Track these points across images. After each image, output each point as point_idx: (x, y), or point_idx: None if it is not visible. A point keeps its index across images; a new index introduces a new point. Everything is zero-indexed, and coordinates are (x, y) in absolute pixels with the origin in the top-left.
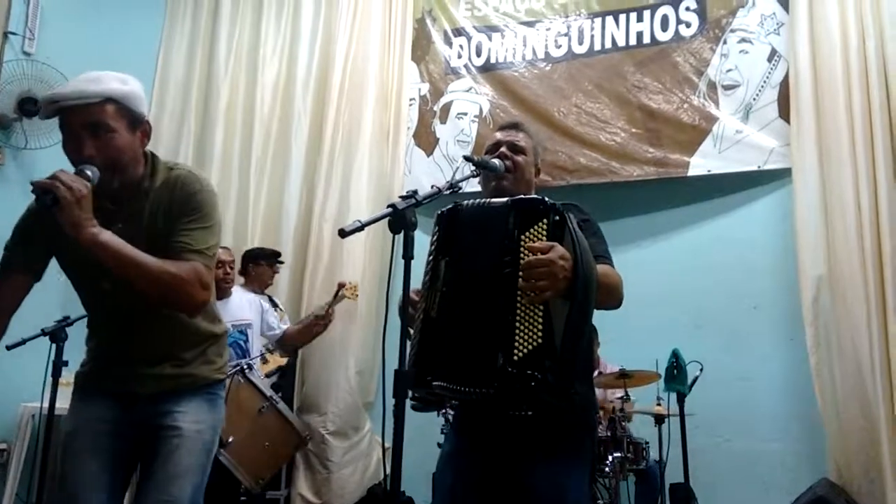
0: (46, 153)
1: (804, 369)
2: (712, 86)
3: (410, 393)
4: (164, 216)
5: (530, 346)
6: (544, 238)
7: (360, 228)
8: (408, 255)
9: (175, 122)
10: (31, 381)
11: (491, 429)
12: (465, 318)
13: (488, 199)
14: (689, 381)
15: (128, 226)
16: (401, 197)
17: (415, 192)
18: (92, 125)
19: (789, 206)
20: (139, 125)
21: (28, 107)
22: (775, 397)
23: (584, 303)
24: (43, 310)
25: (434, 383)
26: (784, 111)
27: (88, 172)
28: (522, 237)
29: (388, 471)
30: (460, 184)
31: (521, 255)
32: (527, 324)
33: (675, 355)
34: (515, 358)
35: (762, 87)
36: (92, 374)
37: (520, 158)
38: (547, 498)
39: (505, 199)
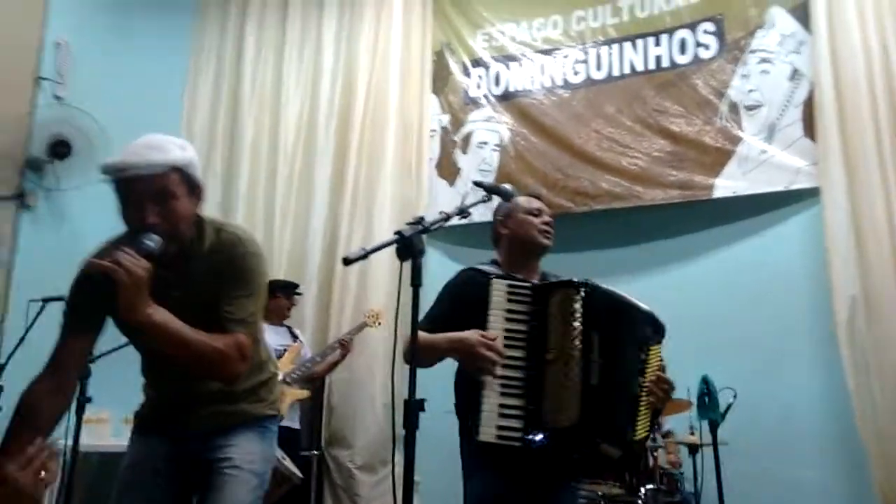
0: (77, 194)
1: (842, 392)
2: (734, 107)
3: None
4: (213, 280)
5: (644, 433)
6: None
7: (365, 256)
8: (416, 283)
9: (201, 159)
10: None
11: (527, 461)
12: (613, 400)
13: (627, 298)
14: (723, 408)
15: (181, 292)
16: (408, 224)
17: (421, 218)
18: (157, 193)
19: (819, 225)
20: (197, 190)
21: (59, 149)
22: (813, 422)
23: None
24: None
25: (602, 445)
26: (809, 130)
27: (151, 244)
28: (651, 351)
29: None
30: (470, 209)
31: (649, 366)
32: (645, 415)
33: (706, 382)
34: (636, 437)
35: (785, 106)
36: (148, 415)
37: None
38: None
39: (647, 313)
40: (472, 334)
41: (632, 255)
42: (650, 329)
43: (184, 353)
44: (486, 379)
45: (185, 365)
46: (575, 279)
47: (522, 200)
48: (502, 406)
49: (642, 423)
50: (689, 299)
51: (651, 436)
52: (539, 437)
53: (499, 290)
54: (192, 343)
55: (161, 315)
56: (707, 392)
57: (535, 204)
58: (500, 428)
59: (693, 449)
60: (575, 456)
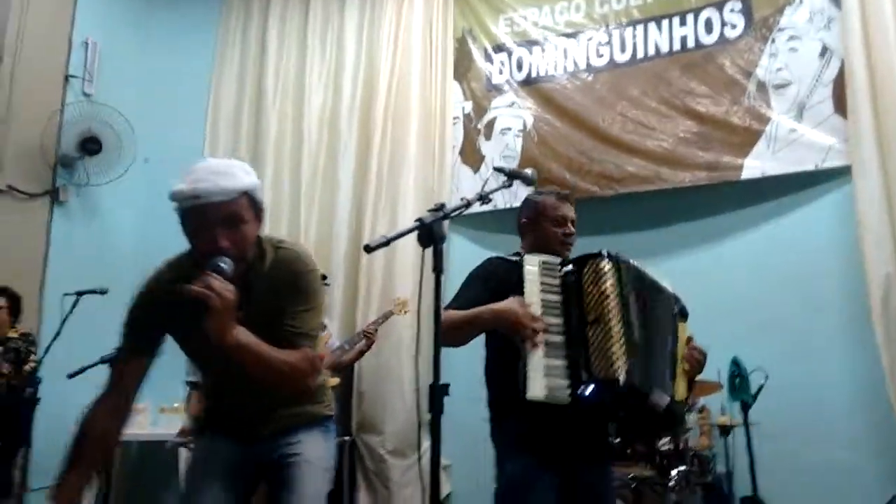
0: (107, 189)
1: (876, 372)
2: (762, 86)
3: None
4: (274, 297)
5: (683, 394)
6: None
7: (386, 243)
8: (438, 269)
9: (227, 154)
10: None
11: (563, 442)
12: (655, 356)
13: (656, 280)
14: (754, 389)
15: (247, 311)
16: (429, 210)
17: (442, 205)
18: (228, 218)
19: (850, 204)
20: (260, 213)
21: (90, 146)
22: (846, 403)
23: None
24: (103, 339)
25: (652, 397)
26: (840, 107)
27: (225, 266)
28: (680, 327)
29: (446, 488)
30: (491, 195)
31: (679, 339)
32: (680, 379)
33: (737, 363)
34: (676, 397)
35: (815, 84)
36: (213, 416)
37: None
38: (609, 494)
39: (671, 290)
40: (512, 302)
41: (659, 238)
42: (676, 305)
43: (260, 369)
44: (527, 345)
45: (262, 380)
46: (603, 250)
47: (550, 203)
48: (548, 367)
49: (681, 386)
50: (718, 282)
51: (688, 403)
52: (590, 388)
53: (532, 265)
54: (273, 361)
55: (245, 336)
56: (738, 373)
57: (562, 212)
58: (549, 387)
59: (724, 430)
60: (621, 413)
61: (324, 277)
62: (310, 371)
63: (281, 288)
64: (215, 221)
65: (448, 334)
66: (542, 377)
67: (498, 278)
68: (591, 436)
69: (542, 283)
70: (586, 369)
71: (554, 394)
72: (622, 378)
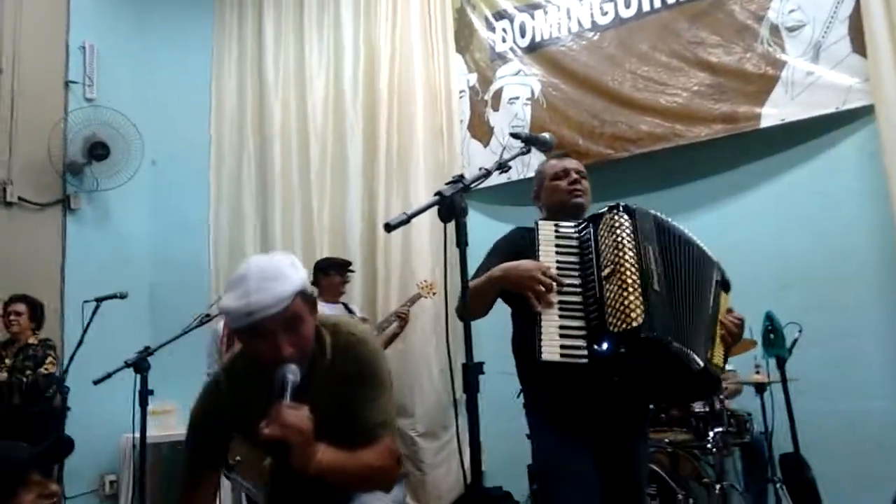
0: (116, 193)
1: None
2: (775, 30)
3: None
4: (342, 387)
5: (720, 360)
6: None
7: (406, 221)
8: (462, 243)
9: (234, 148)
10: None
11: (594, 414)
12: (686, 309)
13: (690, 236)
14: (788, 344)
15: (313, 406)
16: (447, 183)
17: (461, 176)
18: (288, 323)
19: (875, 145)
20: (314, 304)
21: (97, 151)
22: (881, 351)
23: None
24: (128, 344)
25: (673, 345)
26: (858, 45)
27: (294, 378)
28: (721, 296)
29: (478, 467)
30: (509, 162)
31: (719, 306)
32: (719, 345)
33: (770, 318)
34: (713, 361)
35: (830, 22)
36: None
37: (586, 184)
38: (643, 463)
39: (711, 255)
40: (527, 261)
41: (679, 195)
42: (718, 272)
43: (349, 483)
44: (539, 305)
45: (346, 489)
46: (617, 203)
47: (548, 166)
48: (563, 328)
49: (718, 351)
50: (744, 235)
51: (724, 371)
52: (605, 345)
53: (546, 228)
54: (357, 471)
55: (328, 456)
56: (772, 329)
57: (560, 166)
58: (564, 347)
59: (760, 388)
60: (641, 364)
61: (348, 264)
62: (394, 466)
63: (348, 378)
64: (276, 329)
65: (464, 310)
66: (557, 339)
67: (516, 246)
68: (623, 406)
69: (557, 246)
70: (601, 325)
71: (569, 354)
72: (636, 325)
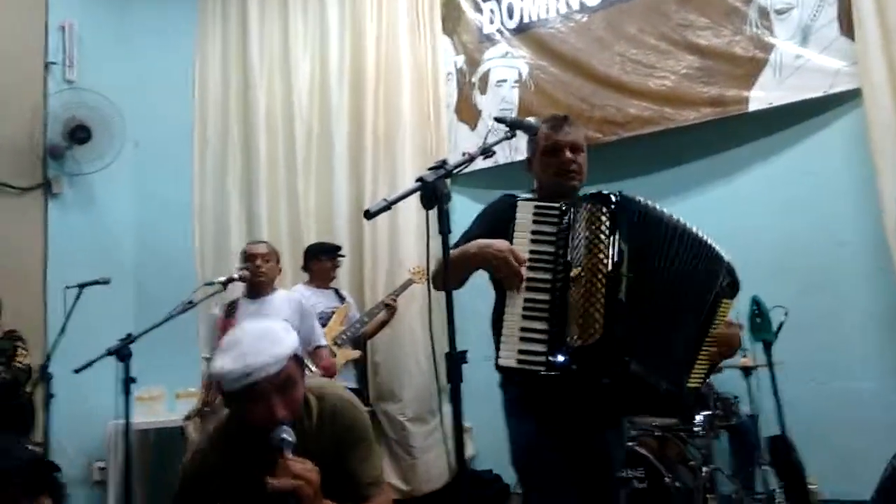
0: (99, 176)
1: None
2: (764, 12)
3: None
4: (330, 451)
5: (698, 382)
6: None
7: (387, 207)
8: (444, 230)
9: (218, 132)
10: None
11: (566, 405)
12: (659, 323)
13: (694, 231)
14: (775, 327)
15: None
16: (429, 169)
17: (444, 161)
18: (282, 385)
19: (862, 128)
20: (303, 366)
21: (78, 134)
22: (868, 334)
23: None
24: (112, 330)
25: (632, 366)
26: (846, 28)
27: (290, 438)
28: (722, 304)
29: (471, 451)
30: (493, 147)
31: (718, 318)
32: (702, 364)
33: (756, 303)
34: (689, 384)
35: (819, 5)
36: None
37: (581, 158)
38: (617, 453)
39: (723, 254)
40: (502, 242)
41: (667, 179)
42: (724, 276)
43: None
44: (508, 301)
45: None
46: (607, 191)
47: (542, 136)
48: (524, 329)
49: (698, 370)
50: (731, 218)
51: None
52: (560, 358)
53: (524, 211)
54: None
55: None
56: (758, 312)
57: (552, 139)
58: (522, 352)
59: (747, 371)
60: (604, 380)
61: (338, 249)
62: None
63: (339, 442)
64: (271, 391)
65: (435, 276)
66: (516, 342)
67: (497, 216)
68: (594, 399)
69: (532, 233)
70: (560, 333)
71: (526, 360)
72: (592, 342)
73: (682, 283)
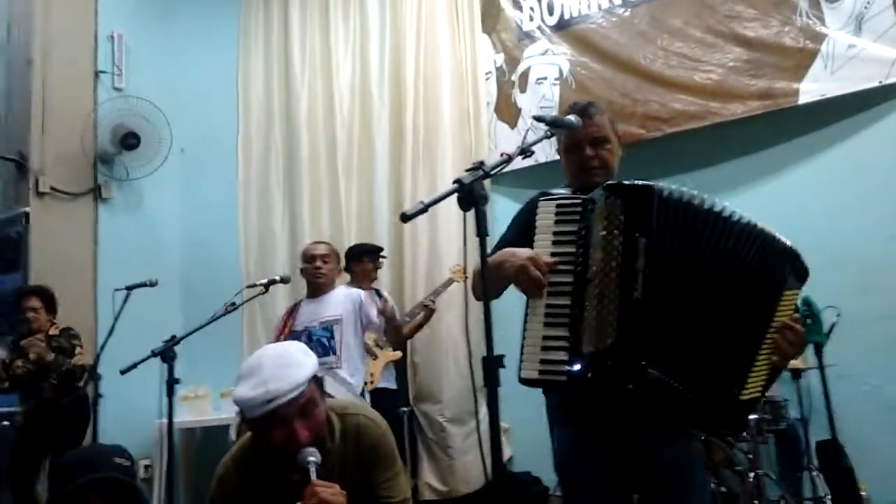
0: (146, 182)
1: None
2: (814, 1)
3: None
4: (354, 470)
5: (755, 393)
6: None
7: (424, 210)
8: (482, 233)
9: (262, 136)
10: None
11: (599, 413)
12: (689, 320)
13: (741, 219)
14: (826, 328)
15: None
16: (467, 170)
17: (482, 163)
18: (303, 409)
19: None
20: (323, 388)
21: (129, 140)
22: None
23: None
24: (160, 330)
25: (650, 370)
26: None
27: (316, 460)
28: (784, 296)
29: (509, 454)
30: (532, 147)
31: (780, 313)
32: (760, 371)
33: (808, 304)
34: (743, 397)
35: None
36: None
37: (605, 151)
38: (676, 473)
39: (782, 240)
40: (523, 250)
41: (714, 176)
42: (787, 263)
43: None
44: (530, 308)
45: None
46: (628, 181)
47: (567, 129)
48: (546, 338)
49: (754, 379)
50: (782, 216)
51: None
52: (577, 366)
53: (545, 211)
54: None
55: None
56: (809, 314)
57: (577, 135)
58: (544, 362)
59: (796, 374)
60: (629, 386)
61: (380, 250)
62: None
63: (363, 461)
64: (293, 415)
65: (474, 287)
66: (538, 352)
67: (527, 217)
68: (623, 406)
69: (554, 234)
70: (578, 340)
71: (547, 371)
72: (603, 347)
73: (724, 279)
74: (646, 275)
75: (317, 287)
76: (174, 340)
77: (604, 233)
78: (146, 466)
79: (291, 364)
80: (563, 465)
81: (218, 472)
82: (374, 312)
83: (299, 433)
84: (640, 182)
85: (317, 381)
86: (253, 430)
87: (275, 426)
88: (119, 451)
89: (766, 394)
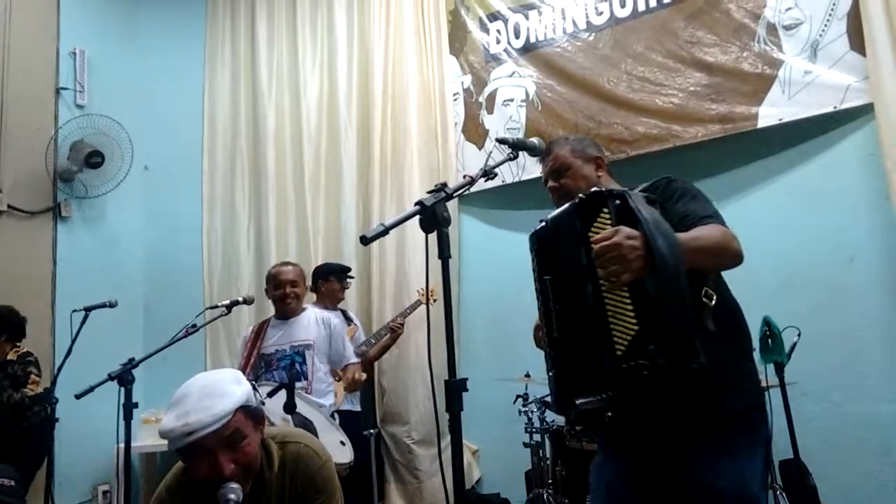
0: (107, 199)
1: None
2: (772, 28)
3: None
4: (292, 501)
5: (628, 337)
6: (610, 226)
7: (385, 233)
8: (444, 255)
9: (228, 151)
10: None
11: (634, 428)
12: (577, 329)
13: (561, 209)
14: (787, 348)
15: None
16: (429, 192)
17: (444, 184)
18: (227, 441)
19: (874, 144)
20: (259, 418)
21: (91, 159)
22: (884, 353)
23: (670, 275)
24: (120, 352)
25: (578, 402)
26: (857, 43)
27: (236, 497)
28: (590, 233)
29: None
30: (495, 169)
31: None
32: (619, 315)
33: (767, 323)
34: (619, 353)
35: (828, 20)
36: None
37: (565, 180)
38: (716, 490)
39: (569, 204)
40: (535, 321)
41: None
42: (581, 217)
43: None
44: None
45: None
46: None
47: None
48: (551, 381)
49: (620, 325)
50: (742, 238)
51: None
52: (581, 400)
53: (531, 248)
54: None
55: None
56: (769, 333)
57: (544, 174)
58: (556, 405)
59: None
60: (665, 403)
61: (347, 270)
62: None
63: (301, 489)
64: (215, 448)
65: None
66: (555, 397)
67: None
68: (668, 417)
69: (536, 267)
70: (567, 369)
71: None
72: (556, 392)
73: (575, 279)
74: (557, 312)
75: (287, 310)
76: (131, 364)
77: (536, 281)
78: (104, 492)
79: (216, 394)
80: (591, 483)
81: (155, 495)
82: (342, 349)
83: (223, 466)
84: (540, 221)
85: (248, 411)
86: (182, 460)
87: (198, 458)
88: (3, 471)
89: None
